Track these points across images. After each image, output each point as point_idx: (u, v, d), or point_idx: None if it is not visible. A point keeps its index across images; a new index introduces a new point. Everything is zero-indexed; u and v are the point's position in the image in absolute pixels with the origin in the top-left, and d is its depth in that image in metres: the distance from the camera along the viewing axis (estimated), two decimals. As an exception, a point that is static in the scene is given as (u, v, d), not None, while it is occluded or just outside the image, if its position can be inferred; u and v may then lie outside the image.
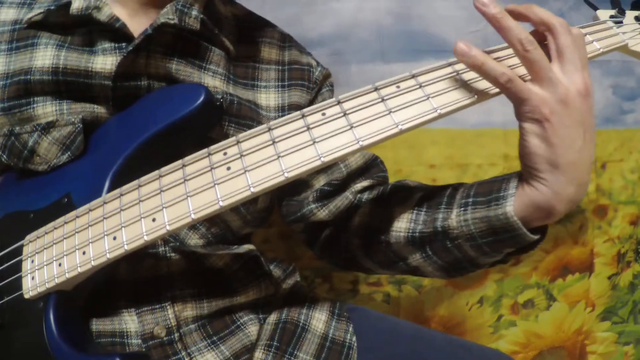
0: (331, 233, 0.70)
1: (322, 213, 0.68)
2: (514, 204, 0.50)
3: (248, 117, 0.64)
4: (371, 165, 0.72)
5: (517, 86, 0.47)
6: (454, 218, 0.55)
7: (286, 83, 0.69)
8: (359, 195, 0.68)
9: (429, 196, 0.60)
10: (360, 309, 0.72)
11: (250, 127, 0.63)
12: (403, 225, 0.60)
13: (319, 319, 0.66)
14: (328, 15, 1.01)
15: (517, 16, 0.50)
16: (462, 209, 0.55)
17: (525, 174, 0.51)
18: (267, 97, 0.67)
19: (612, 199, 1.15)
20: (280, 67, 0.70)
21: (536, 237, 0.52)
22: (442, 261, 0.59)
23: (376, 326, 0.69)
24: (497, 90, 0.49)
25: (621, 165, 1.15)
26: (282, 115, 0.65)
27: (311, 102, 0.71)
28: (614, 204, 1.15)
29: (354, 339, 0.65)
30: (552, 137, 0.47)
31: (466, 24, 1.05)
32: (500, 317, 1.12)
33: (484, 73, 0.48)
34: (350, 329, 0.66)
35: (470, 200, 0.54)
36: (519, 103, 0.48)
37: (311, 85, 0.71)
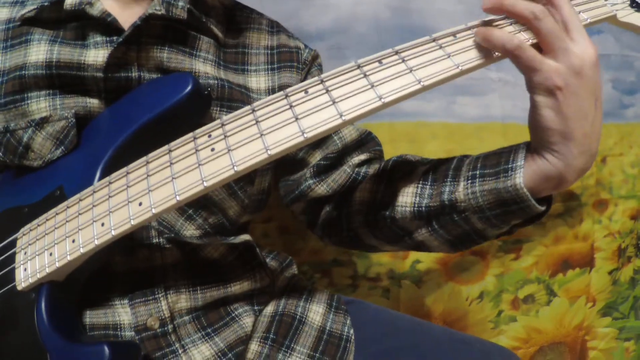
0: (332, 210, 0.69)
1: (321, 188, 0.67)
2: (523, 175, 0.50)
3: (240, 100, 0.65)
4: (366, 139, 0.72)
5: (526, 53, 0.47)
6: (462, 191, 0.54)
7: (275, 66, 0.70)
8: (357, 169, 0.67)
9: (433, 169, 0.60)
10: (358, 301, 0.72)
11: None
12: (408, 199, 0.60)
13: (316, 312, 0.66)
14: (326, 10, 1.01)
15: None
16: (470, 181, 0.54)
17: (536, 145, 0.50)
18: (258, 81, 0.68)
19: (613, 193, 1.15)
20: (269, 51, 0.71)
21: (543, 208, 0.52)
22: (449, 235, 0.59)
23: (374, 319, 0.69)
24: (481, 61, 0.49)
25: (621, 159, 1.15)
26: None
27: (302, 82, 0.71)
28: (615, 199, 1.15)
29: (352, 331, 0.65)
30: (565, 110, 0.47)
31: (464, 18, 1.03)
32: (500, 312, 1.12)
33: (491, 41, 0.47)
34: (348, 321, 0.66)
35: (478, 172, 0.54)
36: (530, 72, 0.47)
37: (300, 66, 0.72)
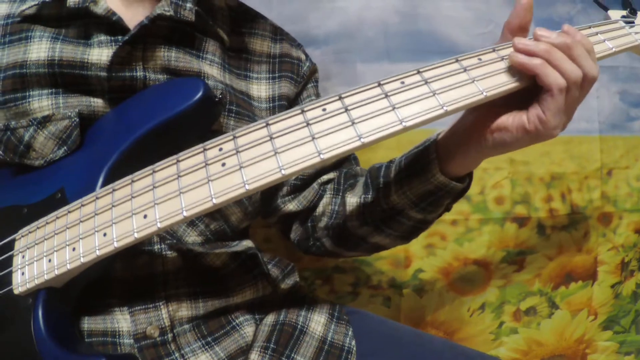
0: (300, 222, 0.74)
1: (292, 205, 0.72)
2: (438, 167, 0.56)
3: (243, 107, 0.65)
4: (343, 161, 0.74)
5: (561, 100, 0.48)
6: (395, 194, 0.60)
7: (277, 75, 0.71)
8: (323, 185, 0.72)
9: (371, 179, 0.64)
10: (360, 312, 0.72)
11: (244, 116, 0.65)
12: (354, 210, 0.65)
13: (317, 322, 0.65)
14: (334, 13, 1.00)
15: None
16: (400, 184, 0.60)
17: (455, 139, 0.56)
18: (259, 89, 0.69)
19: (617, 207, 1.14)
20: (271, 60, 0.71)
21: (465, 183, 0.59)
22: (397, 232, 0.65)
23: (376, 330, 0.69)
24: (506, 88, 0.48)
25: (627, 172, 1.15)
26: (273, 106, 0.68)
27: (297, 95, 0.73)
28: (619, 212, 1.14)
29: (354, 342, 0.64)
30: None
31: (474, 26, 1.04)
32: (501, 323, 1.11)
33: (542, 78, 0.47)
34: (350, 332, 0.65)
35: (404, 174, 0.60)
36: (540, 107, 0.49)
37: (299, 79, 0.72)
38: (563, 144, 1.09)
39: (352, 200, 0.65)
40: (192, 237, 0.61)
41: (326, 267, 1.03)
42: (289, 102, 0.71)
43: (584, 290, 1.14)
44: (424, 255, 1.05)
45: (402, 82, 0.47)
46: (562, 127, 0.50)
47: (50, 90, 0.58)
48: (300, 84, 0.73)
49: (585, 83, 0.49)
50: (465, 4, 1.03)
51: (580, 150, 1.10)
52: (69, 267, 0.49)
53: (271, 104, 0.69)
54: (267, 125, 0.46)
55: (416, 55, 1.01)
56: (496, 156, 1.06)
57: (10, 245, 0.56)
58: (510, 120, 0.50)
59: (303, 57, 0.74)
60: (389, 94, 0.46)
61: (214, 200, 0.45)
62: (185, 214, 0.45)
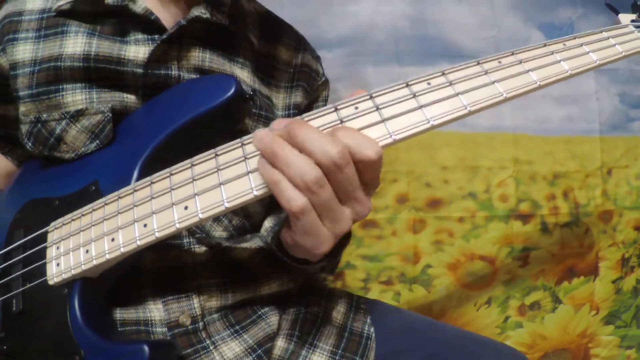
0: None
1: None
2: (278, 252, 0.56)
3: (268, 111, 0.67)
4: None
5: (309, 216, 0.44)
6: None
7: (294, 84, 0.72)
8: None
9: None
10: (376, 302, 0.74)
11: (270, 121, 0.65)
12: (263, 231, 0.67)
13: (338, 311, 0.67)
14: (345, 18, 1.03)
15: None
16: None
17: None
18: (277, 96, 0.70)
19: (617, 205, 1.17)
20: (292, 69, 0.72)
21: (317, 266, 0.57)
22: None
23: (392, 319, 0.71)
24: (523, 91, 0.49)
25: (627, 171, 1.17)
26: (288, 114, 0.69)
27: (307, 107, 0.74)
28: (619, 209, 1.17)
29: (372, 329, 0.66)
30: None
31: (479, 30, 1.07)
32: (507, 318, 1.13)
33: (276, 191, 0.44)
34: (368, 320, 0.68)
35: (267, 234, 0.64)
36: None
37: (310, 92, 0.74)
38: (565, 144, 1.12)
39: (266, 224, 0.67)
40: (218, 232, 0.63)
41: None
42: (300, 112, 0.72)
43: (586, 285, 1.16)
44: (433, 252, 1.07)
45: (429, 84, 0.48)
46: (329, 240, 0.45)
47: (83, 85, 0.59)
48: (311, 96, 0.74)
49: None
50: (471, 10, 1.06)
51: (582, 150, 1.13)
52: (108, 257, 0.50)
53: (286, 112, 0.70)
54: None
55: (425, 59, 1.03)
56: (501, 155, 1.08)
57: (42, 238, 0.56)
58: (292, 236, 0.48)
59: (320, 71, 0.76)
60: (417, 94, 0.48)
61: (255, 192, 0.46)
62: (227, 205, 0.46)
